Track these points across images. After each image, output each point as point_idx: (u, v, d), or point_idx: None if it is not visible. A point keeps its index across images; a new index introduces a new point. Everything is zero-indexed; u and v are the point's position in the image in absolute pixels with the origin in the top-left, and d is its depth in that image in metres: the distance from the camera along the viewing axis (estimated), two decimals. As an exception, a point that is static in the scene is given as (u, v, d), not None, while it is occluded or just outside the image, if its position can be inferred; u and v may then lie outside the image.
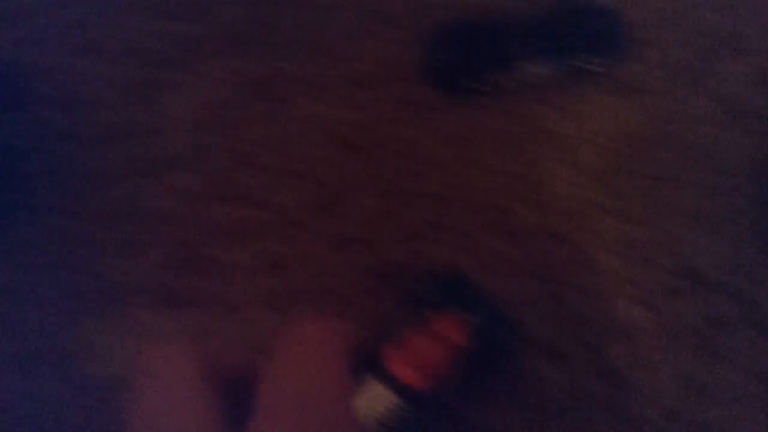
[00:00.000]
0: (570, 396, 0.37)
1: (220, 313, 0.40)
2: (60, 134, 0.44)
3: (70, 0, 0.46)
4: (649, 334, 0.38)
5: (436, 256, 0.40)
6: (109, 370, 0.39)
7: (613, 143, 0.43)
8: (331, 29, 0.46)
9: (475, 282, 0.37)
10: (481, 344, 0.33)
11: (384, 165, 0.43)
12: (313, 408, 0.19)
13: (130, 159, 0.44)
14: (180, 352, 0.20)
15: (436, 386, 0.32)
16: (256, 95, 0.45)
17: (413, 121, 0.44)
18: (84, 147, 0.44)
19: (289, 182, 0.42)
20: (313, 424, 0.19)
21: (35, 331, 0.39)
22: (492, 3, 0.44)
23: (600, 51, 0.43)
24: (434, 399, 0.33)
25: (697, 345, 0.38)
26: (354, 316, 0.32)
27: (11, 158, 0.43)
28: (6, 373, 0.39)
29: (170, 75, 0.46)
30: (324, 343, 0.21)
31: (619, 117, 0.44)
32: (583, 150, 0.43)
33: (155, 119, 0.45)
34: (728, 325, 0.39)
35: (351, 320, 0.24)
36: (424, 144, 0.43)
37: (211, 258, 0.41)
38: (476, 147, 0.43)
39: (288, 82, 0.45)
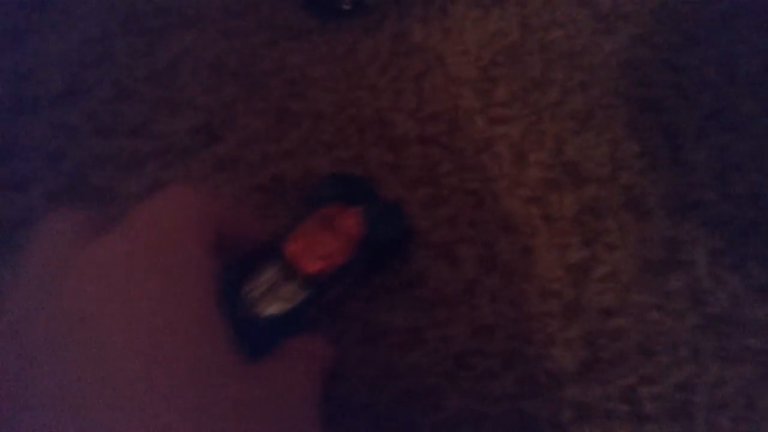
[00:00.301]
0: (463, 292, 0.36)
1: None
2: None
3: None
4: (535, 227, 0.39)
5: (323, 169, 0.40)
6: None
7: (484, 53, 0.45)
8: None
9: (368, 180, 0.38)
10: (375, 235, 0.34)
11: (264, 88, 0.43)
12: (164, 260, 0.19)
13: (10, 99, 0.43)
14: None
15: (334, 275, 0.33)
16: (133, 29, 0.45)
17: (290, 45, 0.44)
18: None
19: (172, 111, 0.42)
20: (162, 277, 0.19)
21: None
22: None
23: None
24: (330, 288, 0.34)
25: (582, 233, 0.39)
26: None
27: None
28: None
29: (43, 16, 0.46)
30: (181, 210, 0.22)
31: (487, 28, 0.46)
32: (453, 61, 0.44)
33: (30, 60, 0.44)
34: (608, 212, 0.39)
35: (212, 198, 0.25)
36: (302, 66, 0.44)
37: (103, 188, 0.40)
38: (352, 66, 0.44)
39: (163, 14, 0.46)
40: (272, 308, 0.31)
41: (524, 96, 0.43)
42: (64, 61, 0.45)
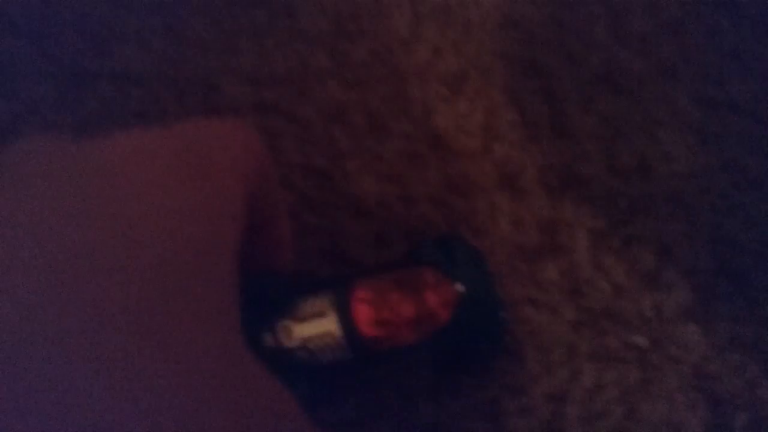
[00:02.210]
0: None
1: None
2: None
3: None
4: (391, 210, 0.34)
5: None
6: None
7: (343, 4, 0.39)
8: None
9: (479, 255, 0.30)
10: (463, 330, 0.27)
11: None
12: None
13: None
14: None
15: (392, 351, 0.27)
16: None
17: None
18: None
19: None
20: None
21: None
22: None
23: None
24: (381, 361, 0.28)
25: (446, 216, 0.34)
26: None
27: None
28: None
29: None
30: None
31: None
32: (304, 12, 0.38)
33: None
34: (478, 192, 0.34)
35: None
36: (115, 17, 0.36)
37: None
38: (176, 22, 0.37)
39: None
40: (302, 349, 0.26)
41: (387, 56, 0.38)
42: None
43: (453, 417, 0.29)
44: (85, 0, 0.37)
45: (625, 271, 0.33)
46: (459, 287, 0.27)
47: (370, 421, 0.29)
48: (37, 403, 0.12)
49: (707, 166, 0.37)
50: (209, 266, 0.16)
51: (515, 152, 0.35)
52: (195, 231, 0.16)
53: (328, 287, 0.27)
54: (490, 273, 0.28)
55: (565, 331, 0.31)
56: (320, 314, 0.26)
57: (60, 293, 0.14)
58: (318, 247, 0.32)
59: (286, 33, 0.37)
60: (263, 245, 0.23)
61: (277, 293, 0.27)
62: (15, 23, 0.37)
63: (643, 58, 0.39)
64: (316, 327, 0.26)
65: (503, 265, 0.33)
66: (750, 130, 0.38)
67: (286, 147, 0.34)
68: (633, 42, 0.40)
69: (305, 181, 0.34)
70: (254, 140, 0.20)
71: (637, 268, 0.33)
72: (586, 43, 0.39)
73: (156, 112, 0.35)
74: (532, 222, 0.34)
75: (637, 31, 0.40)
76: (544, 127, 0.36)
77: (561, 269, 0.33)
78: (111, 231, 0.15)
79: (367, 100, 0.36)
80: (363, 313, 0.26)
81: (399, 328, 0.26)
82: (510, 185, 0.35)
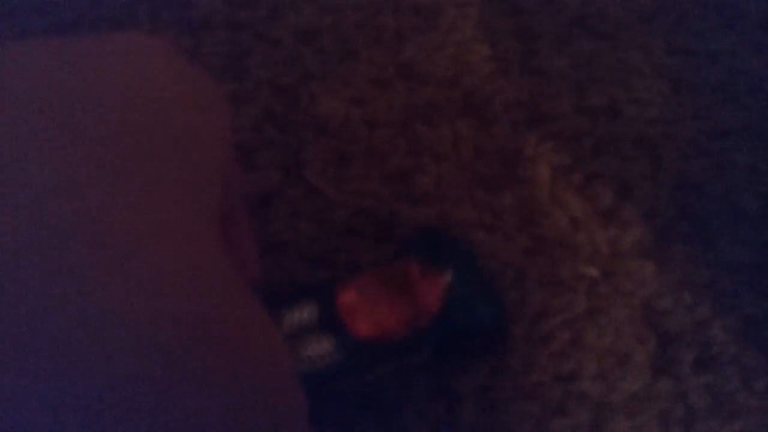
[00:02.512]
0: (260, 204, 0.31)
1: None
2: None
3: None
4: (355, 132, 0.34)
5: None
6: None
7: None
8: None
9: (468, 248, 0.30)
10: (456, 318, 0.27)
11: None
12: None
13: None
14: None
15: (388, 349, 0.26)
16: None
17: None
18: None
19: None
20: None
21: None
22: None
23: None
24: (379, 364, 0.27)
25: (409, 141, 0.34)
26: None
27: None
28: None
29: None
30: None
31: None
32: None
33: None
34: (443, 119, 0.34)
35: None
36: None
37: None
38: None
39: None
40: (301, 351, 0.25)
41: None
42: None
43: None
44: None
45: (584, 207, 0.33)
46: (446, 276, 0.27)
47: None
48: None
49: (678, 113, 0.37)
50: (198, 158, 0.15)
51: (484, 84, 0.36)
52: (188, 120, 0.16)
53: (310, 294, 0.26)
54: (479, 263, 0.28)
55: (517, 256, 0.32)
56: (308, 329, 0.26)
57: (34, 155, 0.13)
58: (278, 163, 0.33)
59: (265, -43, 0.38)
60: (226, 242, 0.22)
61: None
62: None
63: (622, 4, 0.39)
64: (301, 334, 0.25)
65: (462, 189, 0.33)
66: (726, 82, 0.38)
67: (254, 64, 0.35)
68: (614, -11, 0.40)
69: (271, 97, 0.34)
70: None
71: (596, 204, 0.34)
72: (566, -13, 0.40)
73: (130, 26, 0.35)
74: (494, 152, 0.34)
75: (619, -21, 0.40)
76: (515, 63, 0.37)
77: (519, 199, 0.33)
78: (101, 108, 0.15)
79: (340, 25, 0.36)
80: (353, 318, 0.26)
81: (391, 325, 0.26)
82: (476, 115, 0.35)
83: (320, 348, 0.25)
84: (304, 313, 0.26)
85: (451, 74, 0.36)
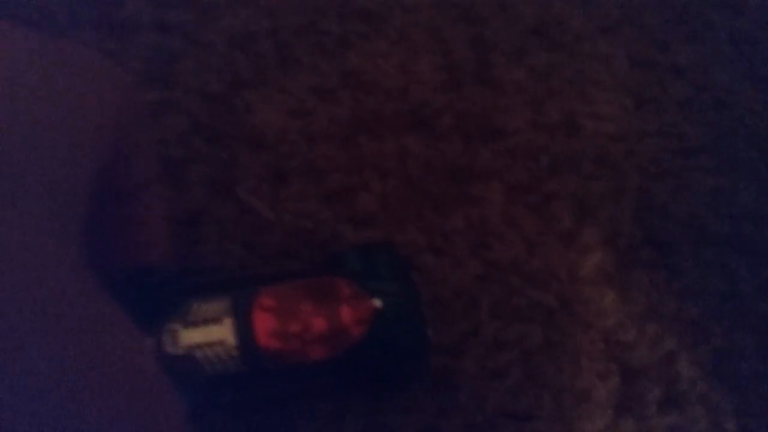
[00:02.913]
0: (188, 221, 0.28)
1: None
2: None
3: None
4: (293, 146, 0.31)
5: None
6: None
7: None
8: None
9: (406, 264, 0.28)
10: (381, 349, 0.25)
11: None
12: None
13: None
14: None
15: (294, 368, 0.24)
16: None
17: None
18: None
19: None
20: None
21: None
22: None
23: None
24: (281, 381, 0.25)
25: (351, 156, 0.31)
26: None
27: None
28: None
29: None
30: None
31: None
32: None
33: None
34: (389, 133, 0.32)
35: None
36: None
37: None
38: None
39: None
40: (185, 358, 0.22)
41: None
42: None
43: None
44: None
45: (540, 229, 0.31)
46: (376, 302, 0.24)
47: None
48: None
49: (641, 130, 0.35)
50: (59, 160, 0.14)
51: (434, 96, 0.33)
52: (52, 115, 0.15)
53: (228, 290, 0.24)
54: (416, 288, 0.26)
55: (468, 283, 0.29)
56: (214, 320, 0.23)
57: None
58: (208, 179, 0.30)
59: (200, -45, 0.35)
60: (133, 218, 0.20)
61: (167, 291, 0.24)
62: None
63: (583, 14, 0.37)
64: (207, 334, 0.23)
65: (409, 210, 0.30)
66: (691, 97, 0.36)
67: (183, 70, 0.32)
68: (574, -3, 0.38)
69: (201, 106, 0.31)
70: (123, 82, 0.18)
71: (554, 226, 0.31)
72: (524, -5, 0.37)
73: (46, 24, 0.32)
74: (444, 169, 0.31)
75: (579, -14, 0.38)
76: (469, 74, 0.34)
77: (469, 220, 0.30)
78: None
79: (279, 29, 0.33)
80: (264, 323, 0.23)
81: (306, 342, 0.23)
82: (425, 129, 0.32)
83: (220, 349, 0.23)
84: (213, 307, 0.23)
85: (399, 85, 0.33)
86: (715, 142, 0.35)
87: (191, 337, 0.23)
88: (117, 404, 0.13)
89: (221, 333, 0.23)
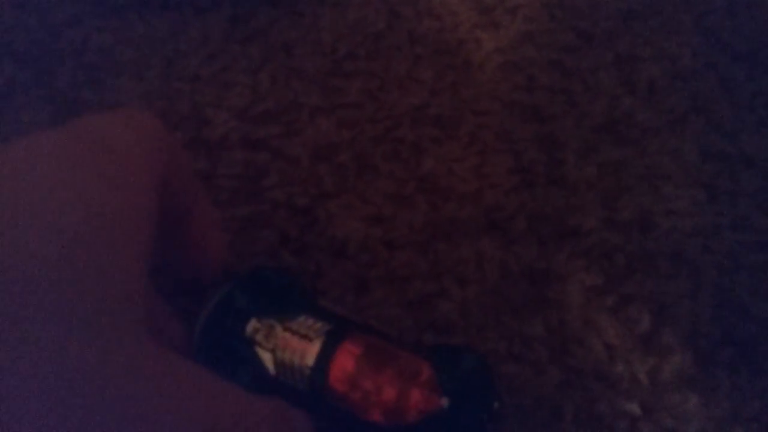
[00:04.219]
0: None
1: None
2: None
3: None
4: (374, 255, 0.33)
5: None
6: None
7: (341, 43, 0.38)
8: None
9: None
10: (455, 417, 0.25)
11: (52, 73, 0.36)
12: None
13: None
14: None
15: (345, 412, 0.25)
16: None
17: (97, 23, 0.37)
18: None
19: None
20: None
21: None
22: None
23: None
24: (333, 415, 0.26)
25: (430, 263, 0.33)
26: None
27: None
28: None
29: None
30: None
31: (348, 16, 0.39)
32: (302, 52, 0.38)
33: None
34: (466, 238, 0.33)
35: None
36: (109, 49, 0.37)
37: None
38: (173, 51, 0.37)
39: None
40: (267, 352, 0.25)
41: (382, 96, 0.37)
42: None
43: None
44: (86, 32, 0.38)
45: (620, 332, 0.31)
46: (444, 401, 0.25)
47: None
48: None
49: (715, 224, 0.35)
50: (114, 261, 0.16)
51: (507, 198, 0.34)
52: (102, 225, 0.16)
53: (331, 319, 0.26)
54: (488, 398, 0.27)
55: (550, 391, 0.30)
56: (308, 338, 0.25)
57: None
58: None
59: (282, 69, 0.37)
60: (187, 239, 0.22)
61: (289, 291, 0.27)
62: (18, 52, 0.38)
63: (651, 107, 0.38)
64: (296, 343, 0.25)
65: (488, 316, 0.31)
66: (764, 187, 0.36)
67: (271, 184, 0.34)
68: (641, 90, 0.39)
69: (288, 219, 0.33)
70: (159, 128, 0.19)
71: (633, 329, 0.32)
72: (590, 90, 0.39)
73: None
74: (521, 273, 0.32)
75: (645, 78, 0.39)
76: (540, 174, 0.35)
77: (549, 325, 0.31)
78: (16, 231, 0.15)
79: (357, 139, 0.36)
80: (344, 364, 0.25)
81: (368, 401, 0.25)
82: (500, 232, 0.33)
83: (297, 363, 0.25)
84: (314, 326, 0.26)
85: (473, 188, 0.35)
86: (793, 236, 0.35)
87: (284, 339, 0.25)
88: None
89: (306, 350, 0.25)
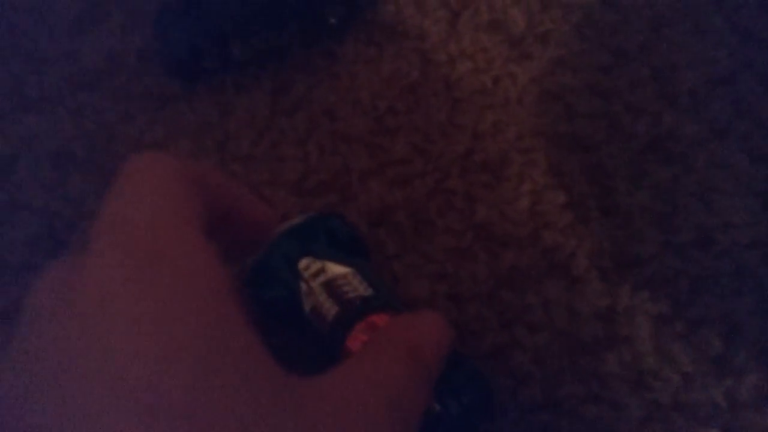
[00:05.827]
0: None
1: None
2: None
3: None
4: (443, 311, 0.34)
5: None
6: None
7: (380, 100, 0.39)
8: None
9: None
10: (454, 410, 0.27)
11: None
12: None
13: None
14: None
15: None
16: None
17: (150, 117, 0.39)
18: None
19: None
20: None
21: None
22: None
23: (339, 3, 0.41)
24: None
25: (499, 313, 0.34)
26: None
27: None
28: None
29: None
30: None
31: (383, 69, 0.40)
32: (343, 114, 0.39)
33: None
34: (530, 284, 0.34)
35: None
36: (164, 141, 0.38)
37: None
38: (223, 134, 0.39)
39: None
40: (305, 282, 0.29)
41: (428, 148, 0.38)
42: None
43: None
44: (140, 129, 0.40)
45: (693, 358, 0.32)
46: (435, 406, 0.26)
47: None
48: None
49: (773, 231, 0.35)
50: (219, 337, 0.16)
51: (564, 238, 0.35)
52: (202, 323, 0.16)
53: (378, 288, 0.29)
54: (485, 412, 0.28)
55: (633, 428, 0.31)
56: (341, 295, 0.28)
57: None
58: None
59: (327, 136, 0.38)
60: (244, 225, 0.23)
61: (346, 238, 0.31)
62: (77, 157, 0.40)
63: (694, 118, 0.38)
64: (331, 295, 0.28)
65: (563, 360, 0.32)
66: (819, 186, 0.36)
67: (335, 255, 0.35)
68: (682, 101, 0.39)
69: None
70: (180, 166, 0.20)
71: (706, 352, 0.32)
72: (631, 109, 0.39)
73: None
74: (588, 312, 0.33)
75: (685, 88, 0.39)
76: (593, 207, 0.36)
77: (623, 361, 0.32)
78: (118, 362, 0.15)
79: (410, 197, 0.37)
80: (358, 335, 0.27)
81: None
82: (562, 274, 0.34)
83: (328, 309, 0.28)
84: (345, 270, 0.29)
85: (529, 231, 0.35)
86: None
87: (326, 284, 0.29)
88: None
89: (332, 309, 0.28)
